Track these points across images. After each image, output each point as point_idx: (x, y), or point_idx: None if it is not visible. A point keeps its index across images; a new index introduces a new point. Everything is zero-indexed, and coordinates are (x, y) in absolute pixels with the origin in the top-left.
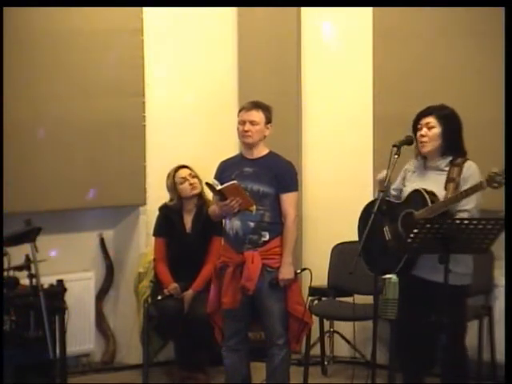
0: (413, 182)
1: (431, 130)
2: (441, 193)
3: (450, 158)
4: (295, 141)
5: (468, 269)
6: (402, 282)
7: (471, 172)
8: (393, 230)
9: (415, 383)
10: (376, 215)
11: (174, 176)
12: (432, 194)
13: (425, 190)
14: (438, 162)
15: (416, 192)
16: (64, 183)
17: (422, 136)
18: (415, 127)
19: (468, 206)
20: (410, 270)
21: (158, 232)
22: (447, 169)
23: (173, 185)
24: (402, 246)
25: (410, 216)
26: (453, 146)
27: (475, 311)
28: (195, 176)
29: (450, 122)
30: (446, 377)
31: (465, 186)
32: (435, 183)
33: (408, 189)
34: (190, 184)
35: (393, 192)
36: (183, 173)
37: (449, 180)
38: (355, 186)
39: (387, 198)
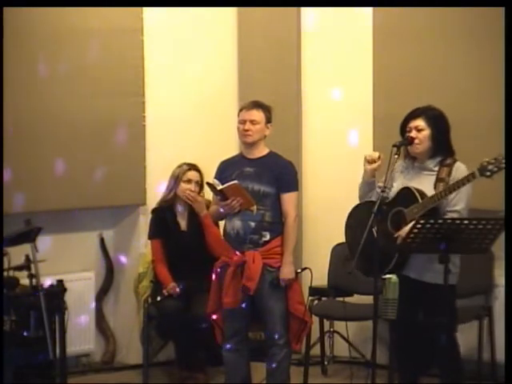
0: (401, 183)
1: (421, 132)
2: (430, 192)
3: (439, 159)
4: (295, 141)
5: (456, 268)
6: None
7: (460, 173)
8: (382, 229)
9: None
10: (376, 215)
11: (184, 172)
12: (421, 192)
13: (414, 187)
14: (427, 163)
15: (405, 190)
16: (64, 183)
17: (412, 139)
18: (403, 129)
19: (458, 207)
20: (401, 270)
21: (153, 234)
22: (436, 169)
23: (178, 178)
24: (392, 246)
25: (400, 214)
26: (442, 146)
27: (475, 311)
28: (200, 185)
29: (439, 123)
30: (444, 376)
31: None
32: (425, 183)
33: (396, 189)
34: (190, 190)
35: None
36: (192, 176)
37: (438, 180)
38: (355, 186)
39: (371, 199)
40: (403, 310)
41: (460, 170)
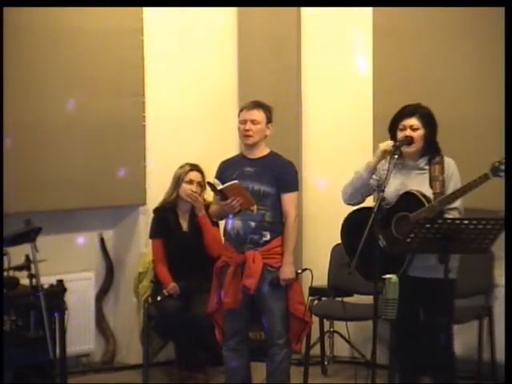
0: (393, 183)
1: (416, 131)
2: (426, 191)
3: (428, 157)
4: (295, 141)
5: (456, 261)
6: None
7: (453, 169)
8: (386, 235)
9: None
10: (375, 217)
11: (186, 173)
12: (424, 195)
13: (417, 191)
14: (418, 161)
15: (408, 194)
16: (64, 183)
17: (412, 138)
18: (395, 127)
19: (457, 204)
20: (406, 272)
21: (154, 233)
22: (427, 167)
23: (180, 179)
24: (401, 250)
25: (405, 219)
26: (432, 145)
27: (475, 311)
28: (201, 185)
29: (430, 122)
30: (435, 376)
31: (449, 183)
32: (418, 182)
33: (390, 189)
34: (192, 191)
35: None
36: (194, 176)
37: (433, 178)
38: None
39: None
40: (405, 310)
41: (451, 165)
